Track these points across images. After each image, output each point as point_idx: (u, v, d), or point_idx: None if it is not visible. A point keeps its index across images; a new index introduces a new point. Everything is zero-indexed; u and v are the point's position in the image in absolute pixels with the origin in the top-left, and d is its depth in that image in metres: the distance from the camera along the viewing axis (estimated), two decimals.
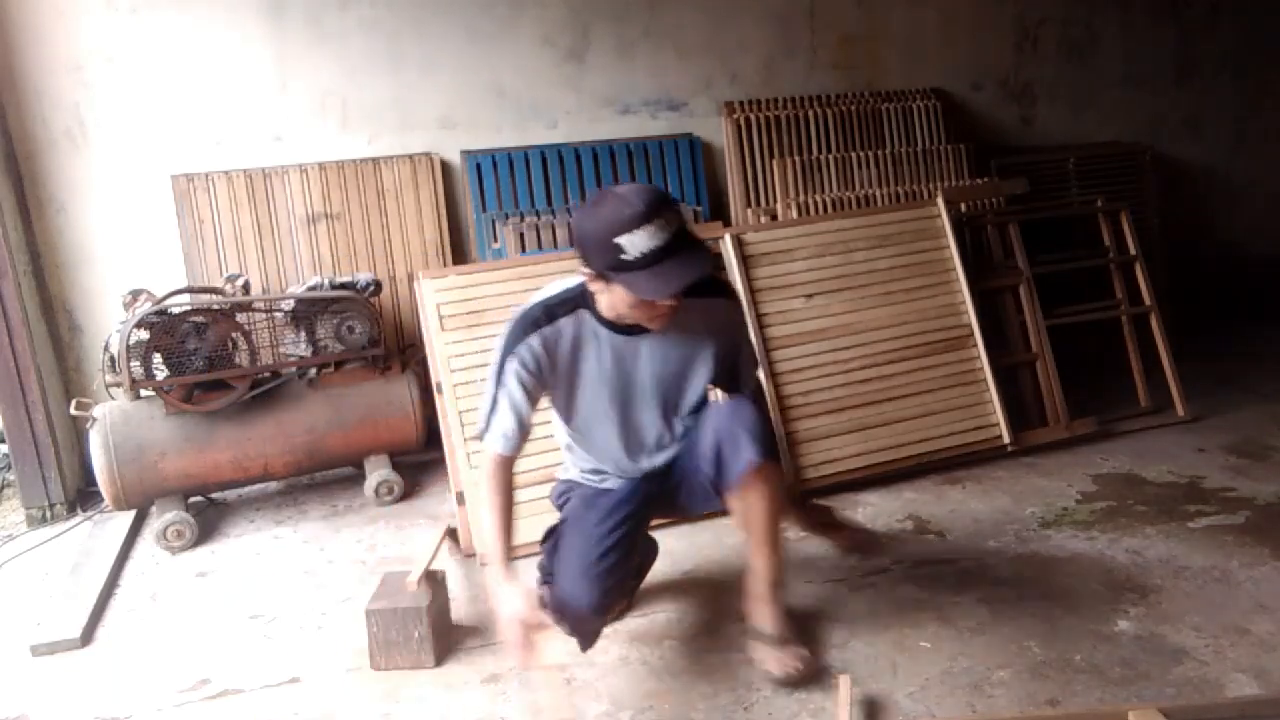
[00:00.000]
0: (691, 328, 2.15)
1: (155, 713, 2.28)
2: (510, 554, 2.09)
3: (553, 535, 2.32)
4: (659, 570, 2.77)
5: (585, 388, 2.18)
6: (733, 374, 2.28)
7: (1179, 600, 2.45)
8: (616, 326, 2.11)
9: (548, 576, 2.27)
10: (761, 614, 2.27)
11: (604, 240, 1.89)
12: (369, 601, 2.38)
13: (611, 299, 2.02)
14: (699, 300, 2.07)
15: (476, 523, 2.38)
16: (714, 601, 2.55)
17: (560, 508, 2.39)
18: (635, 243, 1.87)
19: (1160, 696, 2.06)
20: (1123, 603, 2.45)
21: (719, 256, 3.38)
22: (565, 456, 2.43)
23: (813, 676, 2.19)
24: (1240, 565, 2.61)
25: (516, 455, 2.14)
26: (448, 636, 2.46)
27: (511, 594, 1.99)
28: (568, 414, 2.26)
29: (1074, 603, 2.47)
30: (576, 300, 2.11)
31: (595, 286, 2.03)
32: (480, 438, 2.16)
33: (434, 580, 2.48)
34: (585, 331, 2.12)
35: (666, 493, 2.31)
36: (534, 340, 2.08)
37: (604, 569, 2.14)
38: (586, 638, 2.20)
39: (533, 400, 2.12)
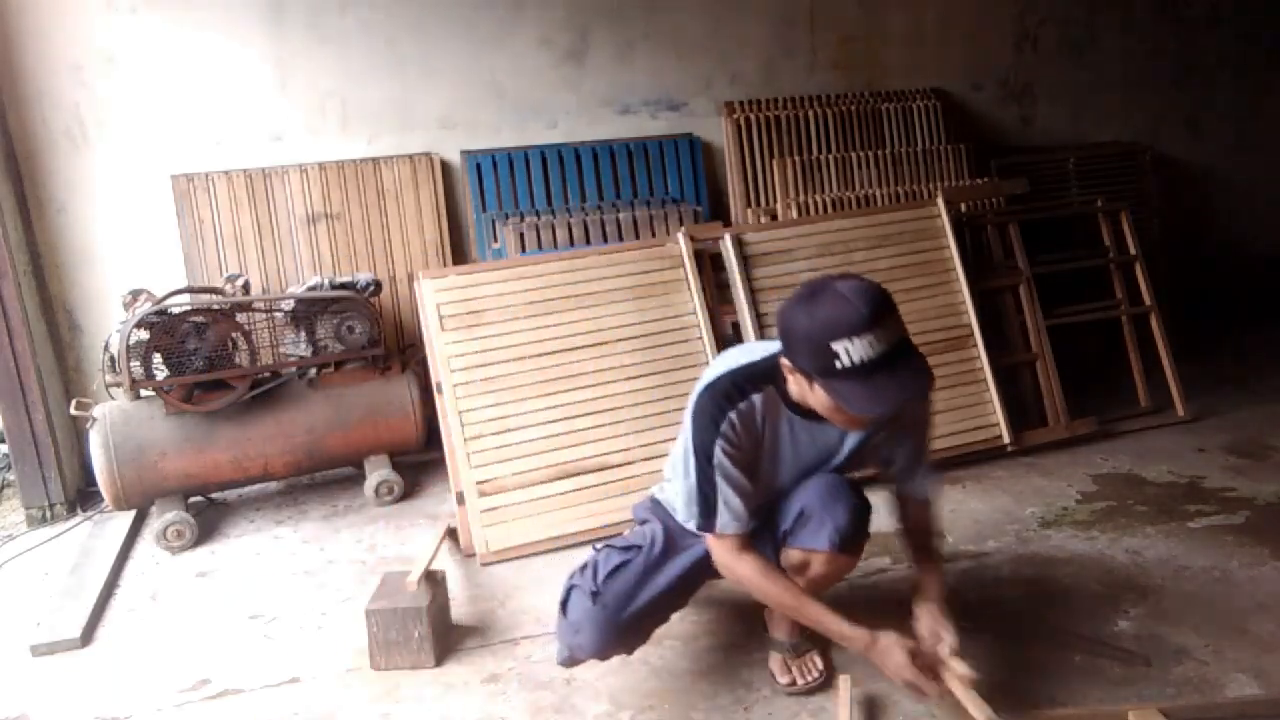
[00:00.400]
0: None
1: (155, 713, 2.28)
2: (837, 613, 1.98)
3: (620, 550, 2.15)
4: None
5: (767, 465, 2.04)
6: (888, 460, 2.11)
7: (1179, 600, 2.46)
8: (802, 409, 1.97)
9: (593, 584, 2.08)
10: (779, 626, 2.28)
11: (818, 342, 1.73)
12: (369, 601, 2.38)
13: (806, 393, 1.87)
14: None
15: (780, 612, 2.16)
16: (714, 602, 2.55)
17: (641, 522, 2.25)
18: (852, 350, 1.71)
19: (1160, 697, 2.07)
20: (1123, 603, 2.45)
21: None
22: (673, 484, 2.21)
23: (824, 686, 2.19)
24: (1240, 565, 2.61)
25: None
26: (448, 636, 2.47)
27: (882, 640, 1.92)
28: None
29: (1074, 603, 2.47)
30: (767, 375, 1.96)
31: (795, 380, 1.88)
32: (710, 529, 1.99)
33: (434, 580, 2.48)
34: (775, 410, 1.98)
35: None
36: (733, 417, 1.93)
37: (637, 629, 2.09)
38: (570, 662, 2.14)
39: (746, 472, 1.97)
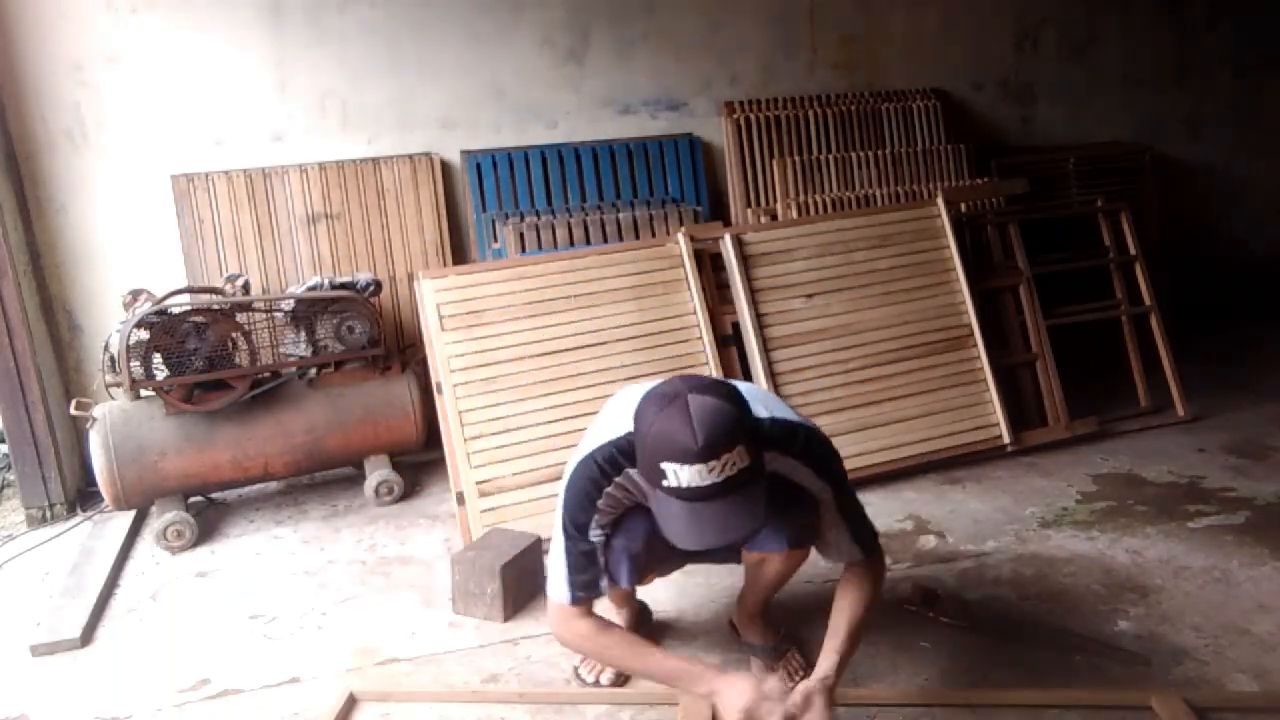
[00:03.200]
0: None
1: (155, 713, 2.28)
2: (680, 658, 1.98)
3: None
4: None
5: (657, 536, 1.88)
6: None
7: (1179, 600, 2.46)
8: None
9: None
10: (752, 631, 2.29)
11: (650, 456, 1.68)
12: (459, 550, 2.55)
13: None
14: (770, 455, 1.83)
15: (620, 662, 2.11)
16: (713, 602, 2.55)
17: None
18: (680, 475, 1.64)
19: None
20: (1123, 603, 2.46)
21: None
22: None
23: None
24: (1240, 565, 2.61)
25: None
26: (526, 599, 2.61)
27: (734, 676, 1.83)
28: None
29: (1074, 603, 2.47)
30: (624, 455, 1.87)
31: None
32: (560, 598, 1.97)
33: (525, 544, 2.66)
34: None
35: None
36: (609, 491, 1.89)
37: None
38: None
39: (607, 541, 1.96)
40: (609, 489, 1.88)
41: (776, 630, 2.29)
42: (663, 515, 1.72)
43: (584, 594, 1.94)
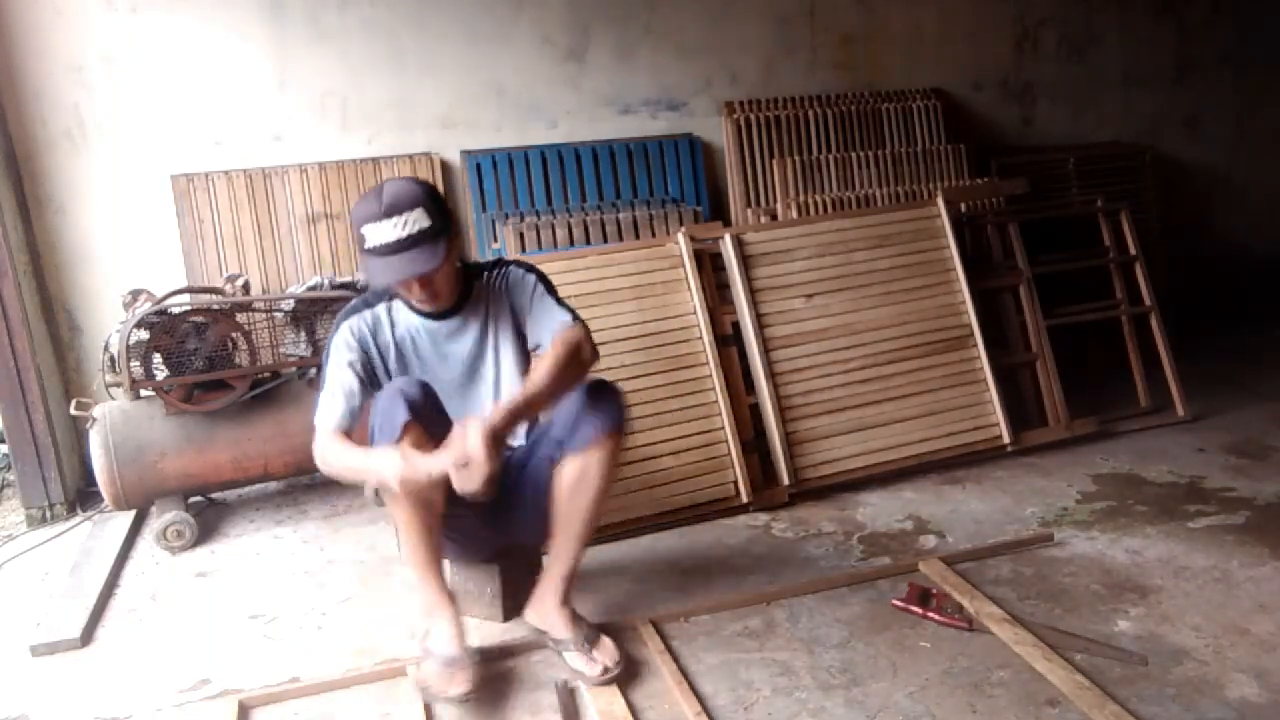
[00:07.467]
0: (482, 307, 2.33)
1: (155, 713, 2.28)
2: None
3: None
4: (659, 570, 2.78)
5: (407, 368, 2.30)
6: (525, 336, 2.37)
7: (1179, 600, 2.46)
8: (423, 312, 2.27)
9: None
10: (555, 621, 2.30)
11: (356, 226, 2.13)
12: None
13: None
14: (483, 278, 2.33)
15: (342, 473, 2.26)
16: (711, 600, 2.55)
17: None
18: (372, 234, 2.09)
19: (1160, 697, 2.07)
20: (1123, 603, 2.46)
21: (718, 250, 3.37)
22: None
23: (628, 669, 2.25)
24: (1240, 565, 2.61)
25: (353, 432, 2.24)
26: (525, 598, 2.48)
27: (381, 455, 2.09)
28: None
29: (1074, 603, 2.47)
30: (387, 291, 2.28)
31: None
32: (319, 423, 2.22)
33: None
34: (399, 317, 2.29)
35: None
36: (354, 323, 2.26)
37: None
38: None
39: (361, 380, 2.23)
40: (354, 319, 2.26)
41: (575, 623, 2.30)
42: (369, 271, 2.16)
43: (335, 419, 2.19)
